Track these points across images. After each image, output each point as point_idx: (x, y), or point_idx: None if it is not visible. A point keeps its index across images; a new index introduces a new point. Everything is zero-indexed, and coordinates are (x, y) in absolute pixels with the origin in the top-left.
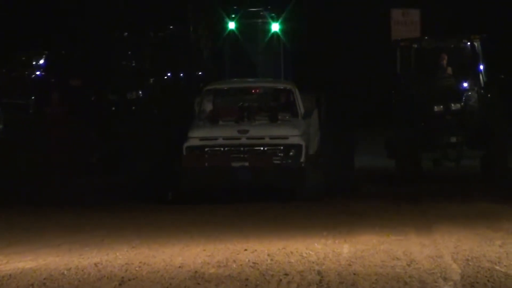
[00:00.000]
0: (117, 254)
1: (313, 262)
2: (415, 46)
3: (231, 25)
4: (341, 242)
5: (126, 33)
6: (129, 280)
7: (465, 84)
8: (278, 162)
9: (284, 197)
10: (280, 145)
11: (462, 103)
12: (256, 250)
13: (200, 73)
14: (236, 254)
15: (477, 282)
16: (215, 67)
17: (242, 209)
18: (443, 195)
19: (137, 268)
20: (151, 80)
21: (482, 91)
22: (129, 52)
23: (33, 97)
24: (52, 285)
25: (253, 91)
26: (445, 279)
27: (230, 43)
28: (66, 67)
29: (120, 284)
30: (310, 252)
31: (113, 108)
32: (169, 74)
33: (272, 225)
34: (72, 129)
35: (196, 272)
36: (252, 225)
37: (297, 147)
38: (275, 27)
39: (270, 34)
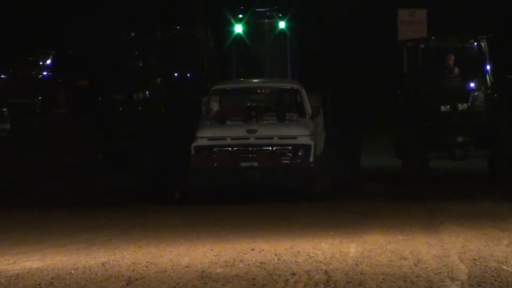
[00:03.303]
0: (124, 253)
1: (320, 262)
2: (422, 46)
3: (238, 25)
4: (348, 242)
5: (133, 33)
6: (136, 279)
7: (472, 84)
8: (287, 162)
9: (291, 197)
10: (289, 145)
11: (469, 103)
12: (263, 250)
13: (204, 73)
14: (243, 253)
15: (484, 282)
16: (216, 68)
17: (249, 209)
18: (450, 195)
19: (144, 268)
20: (158, 80)
21: (489, 91)
22: (136, 52)
23: (39, 97)
24: (60, 284)
25: (260, 91)
26: (452, 278)
27: (237, 43)
28: (73, 67)
29: (127, 284)
30: (317, 251)
31: (120, 108)
32: (176, 74)
33: (279, 225)
34: (78, 129)
35: (203, 271)
36: (259, 225)
37: (306, 147)
38: (282, 26)
39: (276, 35)
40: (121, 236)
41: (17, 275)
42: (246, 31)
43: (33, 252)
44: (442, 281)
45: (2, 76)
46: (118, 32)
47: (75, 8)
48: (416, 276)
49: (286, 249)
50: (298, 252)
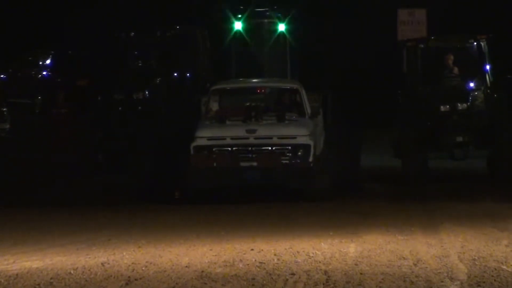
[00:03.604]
0: (124, 253)
1: (319, 262)
2: (422, 46)
3: (238, 25)
4: (348, 242)
5: (132, 33)
6: (136, 279)
7: (472, 84)
8: (286, 162)
9: (291, 197)
10: (289, 145)
11: (468, 103)
12: (262, 250)
13: (204, 73)
14: (242, 253)
15: (484, 282)
16: (213, 68)
17: (249, 209)
18: (450, 195)
19: (143, 268)
20: (158, 80)
21: (488, 91)
22: (136, 52)
23: (39, 97)
24: (59, 284)
25: (259, 91)
26: (451, 278)
27: (237, 43)
28: (73, 67)
29: (126, 284)
30: (317, 251)
31: (120, 108)
32: (175, 74)
33: (279, 225)
34: (78, 129)
35: (202, 271)
36: (259, 225)
37: (306, 147)
38: (282, 27)
39: (276, 34)
40: (121, 236)
41: (17, 275)
42: (246, 31)
43: (33, 252)
44: (442, 281)
45: (2, 76)
46: (118, 32)
47: (75, 8)
48: (416, 276)
49: (285, 249)
50: (298, 252)
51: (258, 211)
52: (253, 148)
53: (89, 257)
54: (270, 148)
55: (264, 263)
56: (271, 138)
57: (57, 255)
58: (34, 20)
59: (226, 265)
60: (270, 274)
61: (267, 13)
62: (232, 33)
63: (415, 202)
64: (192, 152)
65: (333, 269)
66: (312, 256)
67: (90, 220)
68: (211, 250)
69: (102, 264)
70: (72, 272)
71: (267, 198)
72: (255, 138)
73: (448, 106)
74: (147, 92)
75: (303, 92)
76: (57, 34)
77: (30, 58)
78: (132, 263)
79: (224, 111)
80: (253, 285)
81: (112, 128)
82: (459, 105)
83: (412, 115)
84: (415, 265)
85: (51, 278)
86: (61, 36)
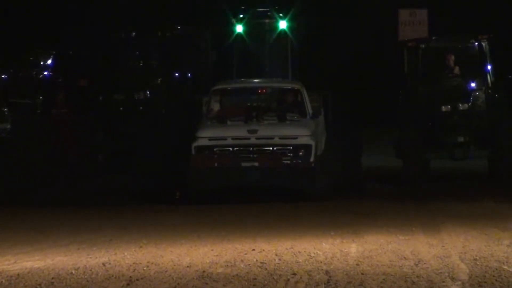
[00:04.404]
0: (125, 253)
1: (321, 262)
2: (423, 46)
3: (239, 25)
4: (349, 242)
5: (133, 33)
6: (137, 279)
7: (473, 84)
8: (287, 162)
9: (291, 197)
10: (290, 145)
11: (469, 103)
12: (264, 250)
13: (204, 73)
14: (244, 254)
15: (485, 282)
16: (211, 68)
17: (249, 209)
18: (450, 195)
19: (145, 268)
20: (159, 80)
21: (489, 91)
22: (137, 52)
23: (40, 97)
24: (60, 284)
25: (261, 91)
26: (453, 278)
27: (238, 43)
28: (74, 67)
29: (128, 284)
30: (318, 251)
31: (121, 108)
32: (176, 74)
33: (280, 225)
34: (78, 129)
35: (204, 271)
36: (260, 225)
37: (307, 147)
38: (283, 24)
39: (277, 32)
40: (122, 236)
41: (18, 275)
42: (247, 31)
43: (34, 252)
44: (443, 281)
45: (3, 76)
46: (118, 32)
47: (75, 8)
48: (417, 276)
49: (286, 249)
50: (299, 252)
51: (259, 211)
52: (254, 148)
53: (90, 257)
54: (271, 148)
55: (265, 263)
56: (272, 138)
57: (58, 255)
58: (34, 20)
59: (227, 265)
60: (271, 274)
61: (269, 13)
62: (234, 33)
63: (416, 202)
64: (193, 152)
65: (334, 269)
66: (314, 256)
67: (90, 220)
68: (212, 250)
69: (103, 264)
70: (73, 272)
71: (267, 198)
72: (257, 138)
73: (449, 106)
74: (147, 92)
75: (304, 92)
76: (57, 34)
77: (31, 58)
78: (134, 263)
79: (225, 111)
80: (254, 285)
81: (112, 128)
82: (460, 105)
83: (413, 115)
84: (416, 265)
85: (52, 278)
86: (61, 36)
